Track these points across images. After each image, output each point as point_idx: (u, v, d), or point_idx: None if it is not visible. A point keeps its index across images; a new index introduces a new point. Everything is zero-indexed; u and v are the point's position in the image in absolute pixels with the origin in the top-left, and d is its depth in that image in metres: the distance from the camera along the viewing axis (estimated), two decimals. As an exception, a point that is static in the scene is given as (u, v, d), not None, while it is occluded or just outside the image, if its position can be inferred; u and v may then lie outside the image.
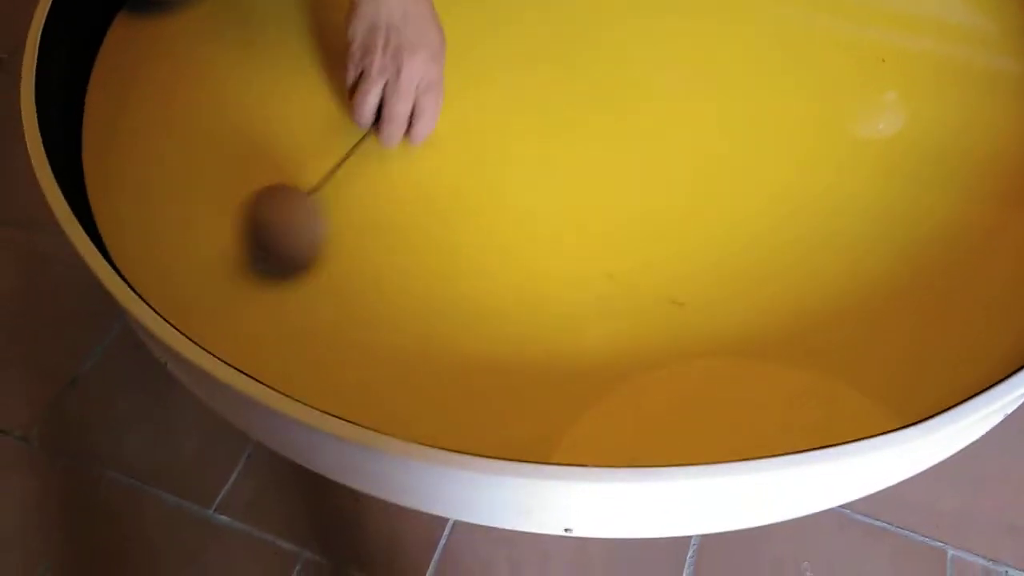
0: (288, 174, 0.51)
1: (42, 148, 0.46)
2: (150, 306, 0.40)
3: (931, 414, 0.38)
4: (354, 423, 0.36)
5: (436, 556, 0.56)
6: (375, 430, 0.35)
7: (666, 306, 0.45)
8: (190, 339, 0.39)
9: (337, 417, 0.36)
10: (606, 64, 0.57)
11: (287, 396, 0.37)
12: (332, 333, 0.45)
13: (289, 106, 0.55)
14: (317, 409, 0.36)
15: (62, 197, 0.43)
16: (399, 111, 0.49)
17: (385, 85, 0.49)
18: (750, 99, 0.55)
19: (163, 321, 0.40)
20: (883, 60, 0.57)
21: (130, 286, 0.41)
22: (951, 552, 0.56)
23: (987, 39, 0.60)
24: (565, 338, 0.44)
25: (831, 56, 0.58)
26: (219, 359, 0.38)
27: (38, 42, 0.52)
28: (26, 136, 0.47)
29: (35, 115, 0.48)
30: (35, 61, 0.50)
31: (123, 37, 0.59)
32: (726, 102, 0.55)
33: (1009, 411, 0.41)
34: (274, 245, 0.45)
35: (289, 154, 0.52)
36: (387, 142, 0.50)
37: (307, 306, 0.46)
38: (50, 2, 0.53)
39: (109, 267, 0.42)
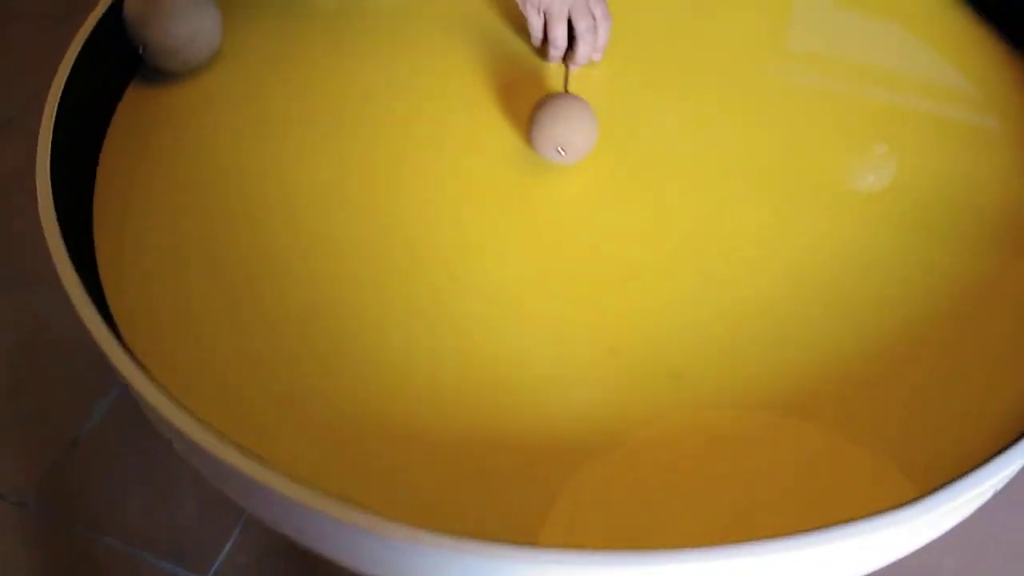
0: (303, 237, 0.52)
1: (55, 218, 0.47)
2: (156, 386, 0.40)
3: (945, 481, 0.37)
4: (362, 507, 0.35)
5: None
6: (381, 515, 0.35)
7: (665, 379, 0.45)
8: (195, 417, 0.39)
9: (344, 502, 0.36)
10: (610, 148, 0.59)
11: (288, 479, 0.36)
12: (327, 405, 0.45)
13: (300, 168, 0.56)
14: (326, 496, 0.36)
15: (74, 273, 0.44)
16: (584, 28, 0.60)
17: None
18: (748, 168, 0.57)
19: (172, 403, 0.40)
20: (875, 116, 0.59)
21: (136, 360, 0.41)
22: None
23: (971, 98, 0.62)
24: (563, 411, 0.44)
25: (828, 117, 0.60)
26: (223, 440, 0.38)
27: (55, 111, 0.53)
28: (39, 204, 0.48)
29: (49, 182, 0.49)
30: (51, 132, 0.52)
31: (136, 104, 0.60)
32: (726, 175, 0.57)
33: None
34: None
35: (302, 215, 0.53)
36: (582, 60, 0.62)
37: (307, 384, 0.46)
38: (68, 70, 0.55)
39: (117, 343, 0.42)
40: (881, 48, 0.66)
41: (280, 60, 0.64)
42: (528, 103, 0.55)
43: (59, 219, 0.48)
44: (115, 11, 0.59)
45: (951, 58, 0.65)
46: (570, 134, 0.53)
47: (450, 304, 0.49)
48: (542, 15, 0.60)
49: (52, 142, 0.52)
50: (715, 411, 0.45)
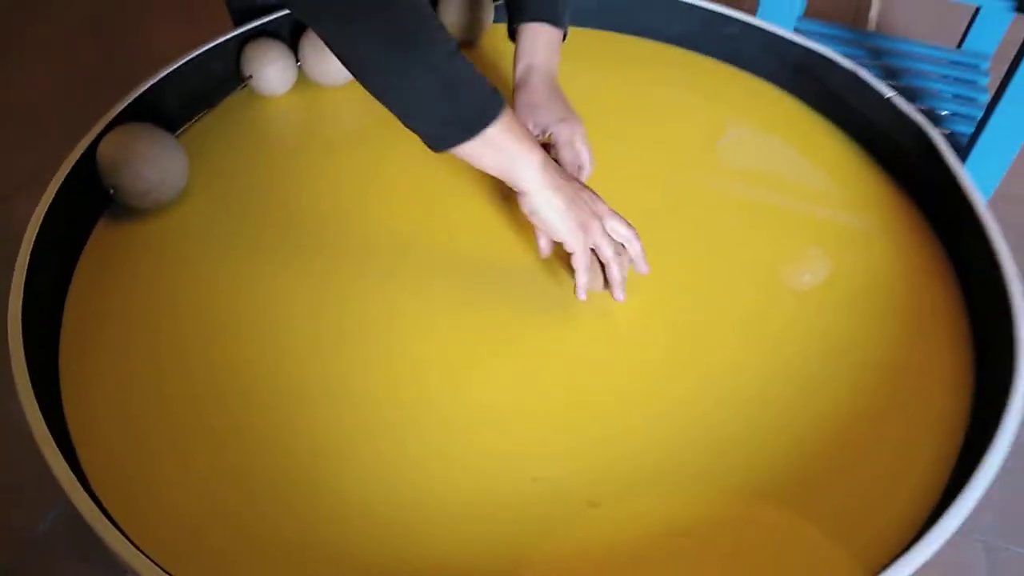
0: (278, 371, 0.56)
1: (23, 355, 0.51)
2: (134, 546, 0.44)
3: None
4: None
5: None
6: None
7: (583, 507, 0.50)
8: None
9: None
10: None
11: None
12: (277, 534, 0.49)
13: (273, 297, 0.61)
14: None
15: (39, 414, 0.48)
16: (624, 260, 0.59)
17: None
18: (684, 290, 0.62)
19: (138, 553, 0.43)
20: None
21: (106, 515, 0.45)
22: None
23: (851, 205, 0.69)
24: (486, 536, 0.49)
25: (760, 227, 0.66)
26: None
27: (31, 248, 0.58)
28: (9, 337, 0.52)
29: (20, 319, 0.54)
30: (25, 269, 0.56)
31: (106, 238, 0.65)
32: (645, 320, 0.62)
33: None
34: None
35: (276, 348, 0.58)
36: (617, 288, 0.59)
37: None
38: (44, 211, 0.60)
39: (85, 493, 0.46)
40: (782, 167, 0.74)
41: (243, 194, 0.69)
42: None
43: (26, 347, 0.52)
44: (90, 154, 0.64)
45: (839, 179, 0.73)
46: None
47: (382, 437, 0.54)
48: (586, 249, 0.58)
49: (26, 279, 0.56)
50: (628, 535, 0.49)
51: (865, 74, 0.74)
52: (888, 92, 0.72)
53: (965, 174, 0.64)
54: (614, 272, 0.59)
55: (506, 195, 0.69)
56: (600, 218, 0.58)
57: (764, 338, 0.60)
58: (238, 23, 0.79)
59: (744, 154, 0.76)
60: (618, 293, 0.59)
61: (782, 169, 0.74)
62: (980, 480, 0.47)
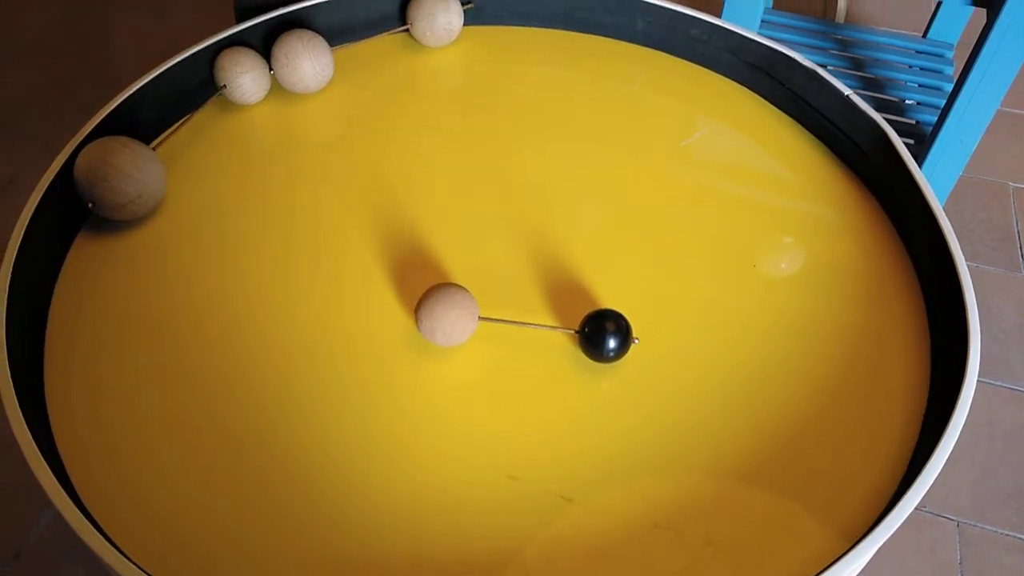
0: (262, 375, 0.58)
1: (7, 367, 0.53)
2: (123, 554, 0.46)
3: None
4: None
5: None
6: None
7: (558, 501, 0.52)
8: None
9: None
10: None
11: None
12: (267, 540, 0.50)
13: (255, 302, 0.62)
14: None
15: (25, 425, 0.49)
16: None
17: None
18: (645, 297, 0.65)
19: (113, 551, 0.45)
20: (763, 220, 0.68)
21: (99, 530, 0.47)
22: None
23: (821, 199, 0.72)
24: (465, 532, 0.51)
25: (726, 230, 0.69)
26: None
27: (12, 265, 0.59)
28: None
29: (4, 331, 0.55)
30: (7, 287, 0.57)
31: (85, 251, 0.66)
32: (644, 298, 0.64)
33: None
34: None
35: (260, 352, 0.59)
36: None
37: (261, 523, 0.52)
38: (23, 229, 0.61)
39: (70, 501, 0.47)
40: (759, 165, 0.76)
41: (220, 202, 0.70)
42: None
43: (10, 360, 0.53)
44: (67, 168, 0.66)
45: (808, 180, 0.75)
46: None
47: (361, 437, 0.55)
48: None
49: (8, 294, 0.57)
50: (601, 526, 0.51)
51: (824, 73, 0.76)
52: (846, 91, 0.74)
53: (918, 170, 0.67)
54: None
55: None
56: None
57: (730, 324, 0.62)
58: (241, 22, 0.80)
59: (709, 150, 0.78)
60: None
61: (747, 164, 0.77)
62: (944, 445, 0.51)
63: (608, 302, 0.64)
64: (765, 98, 0.83)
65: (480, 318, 0.59)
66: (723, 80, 0.85)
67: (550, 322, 0.62)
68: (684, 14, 0.85)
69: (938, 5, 1.55)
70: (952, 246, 0.62)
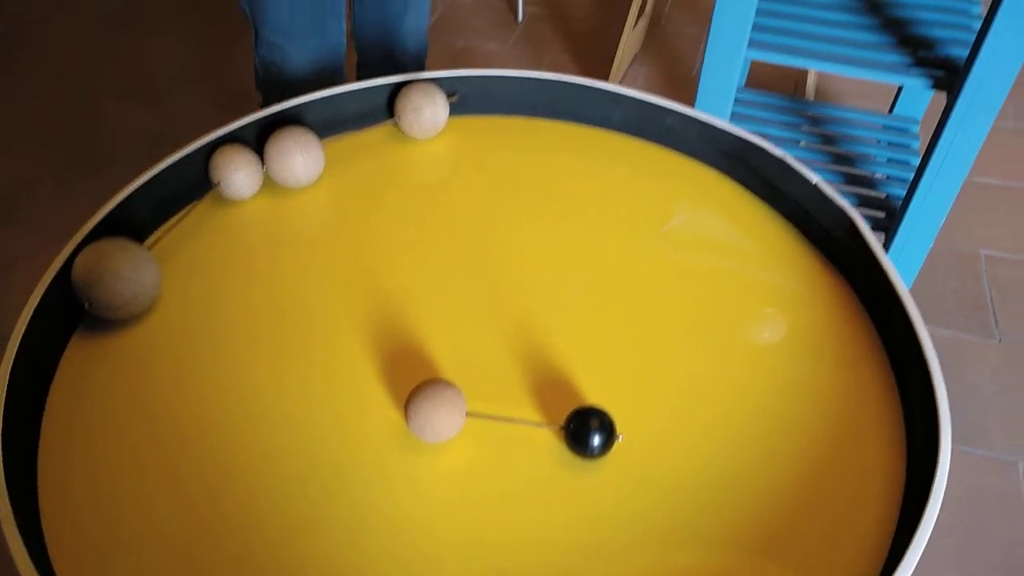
0: (254, 479, 0.59)
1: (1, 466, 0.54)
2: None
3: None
4: None
5: None
6: None
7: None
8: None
9: None
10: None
11: None
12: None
13: (249, 393, 0.63)
14: None
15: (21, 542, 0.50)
16: None
17: None
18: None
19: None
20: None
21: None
22: None
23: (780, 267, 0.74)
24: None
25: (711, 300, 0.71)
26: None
27: (10, 368, 0.60)
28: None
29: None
30: (6, 387, 0.59)
31: (81, 349, 0.68)
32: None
33: None
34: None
35: (254, 441, 0.60)
36: None
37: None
38: (21, 333, 0.63)
39: None
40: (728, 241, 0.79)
41: (214, 299, 0.72)
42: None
43: (5, 459, 0.54)
44: (65, 270, 0.68)
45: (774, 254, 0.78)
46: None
47: (354, 531, 0.56)
48: None
49: (6, 392, 0.59)
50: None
51: (792, 161, 0.80)
52: (814, 178, 0.78)
53: (885, 256, 0.70)
54: None
55: None
56: None
57: (709, 407, 0.64)
58: (267, 100, 0.83)
59: (688, 237, 0.81)
60: None
61: (724, 249, 0.80)
62: (923, 530, 0.53)
63: (592, 391, 0.65)
64: (741, 183, 0.87)
65: (468, 414, 0.60)
66: (699, 167, 0.89)
67: (536, 415, 0.64)
68: (658, 106, 0.89)
69: (900, 87, 1.62)
70: (919, 331, 0.64)
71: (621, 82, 2.42)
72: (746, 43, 1.17)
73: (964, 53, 1.19)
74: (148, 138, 2.16)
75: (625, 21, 2.26)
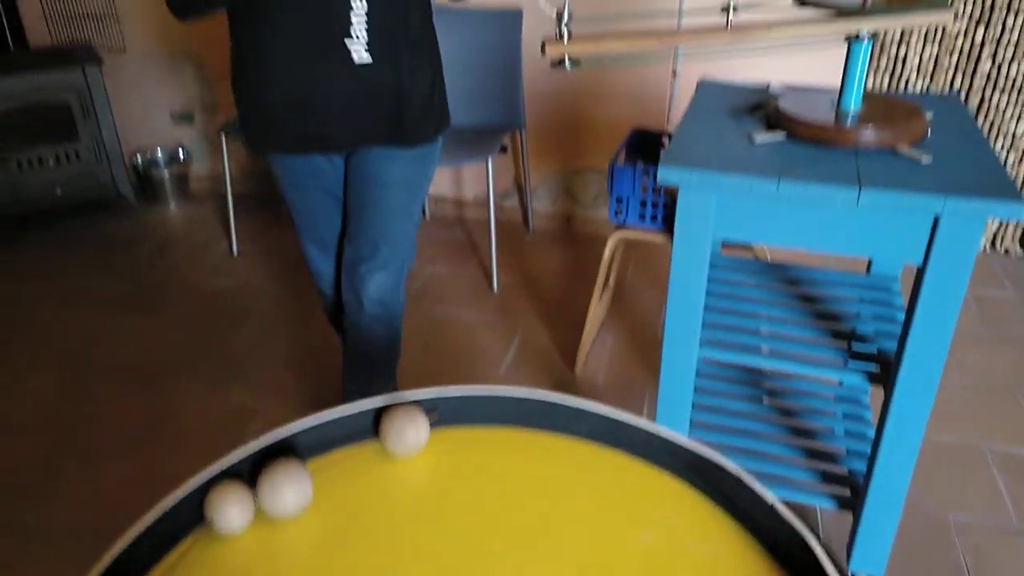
0: None
1: None
2: None
3: None
4: None
5: None
6: None
7: None
8: None
9: None
10: None
11: None
12: None
13: None
14: None
15: None
16: None
17: None
18: None
19: None
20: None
21: None
22: None
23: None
24: None
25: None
26: None
27: None
28: None
29: None
30: None
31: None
32: None
33: None
34: None
35: None
36: None
37: None
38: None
39: None
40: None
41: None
42: None
43: None
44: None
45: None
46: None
47: None
48: None
49: None
50: None
51: (749, 479, 0.87)
52: (771, 499, 0.84)
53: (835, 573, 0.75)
54: None
55: None
56: None
57: None
58: None
59: (648, 546, 0.86)
60: None
61: (685, 564, 0.84)
62: None
63: None
64: (705, 494, 0.93)
65: None
66: (664, 477, 0.96)
67: None
68: (620, 422, 0.97)
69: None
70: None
71: (591, 350, 2.56)
72: (698, 343, 1.29)
73: (894, 345, 1.31)
74: (138, 427, 2.21)
75: (592, 291, 2.45)
